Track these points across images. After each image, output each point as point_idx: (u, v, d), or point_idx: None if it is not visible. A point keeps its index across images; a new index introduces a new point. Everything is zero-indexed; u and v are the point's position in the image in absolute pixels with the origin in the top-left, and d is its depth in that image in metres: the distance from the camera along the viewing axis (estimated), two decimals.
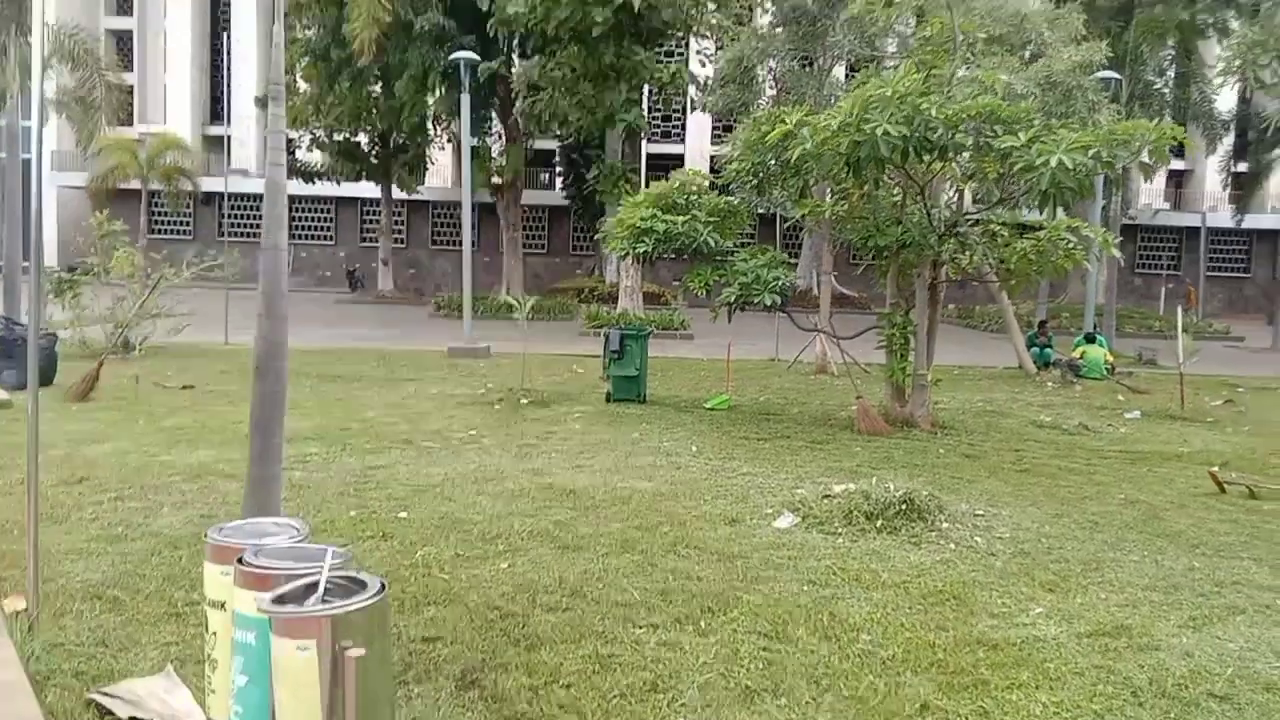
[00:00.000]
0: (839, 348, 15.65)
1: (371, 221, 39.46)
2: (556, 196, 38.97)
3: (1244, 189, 35.76)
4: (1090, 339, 17.32)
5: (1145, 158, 9.03)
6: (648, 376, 12.80)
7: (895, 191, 10.87)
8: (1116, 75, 16.53)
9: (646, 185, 24.19)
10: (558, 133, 28.13)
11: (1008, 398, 14.08)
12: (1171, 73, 26.00)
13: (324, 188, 33.61)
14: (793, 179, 10.72)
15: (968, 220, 10.52)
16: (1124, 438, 11.19)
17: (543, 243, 40.92)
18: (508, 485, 7.64)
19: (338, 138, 29.66)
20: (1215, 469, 8.54)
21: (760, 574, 5.59)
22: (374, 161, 30.65)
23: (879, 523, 6.52)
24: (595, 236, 12.33)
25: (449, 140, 31.01)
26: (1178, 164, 40.98)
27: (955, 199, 11.69)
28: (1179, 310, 15.77)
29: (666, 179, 12.30)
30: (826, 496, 7.03)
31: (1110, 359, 17.14)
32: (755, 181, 11.11)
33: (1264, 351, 24.14)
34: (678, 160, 41.69)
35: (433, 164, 32.31)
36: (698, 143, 42.08)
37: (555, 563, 5.67)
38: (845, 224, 11.22)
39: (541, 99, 21.32)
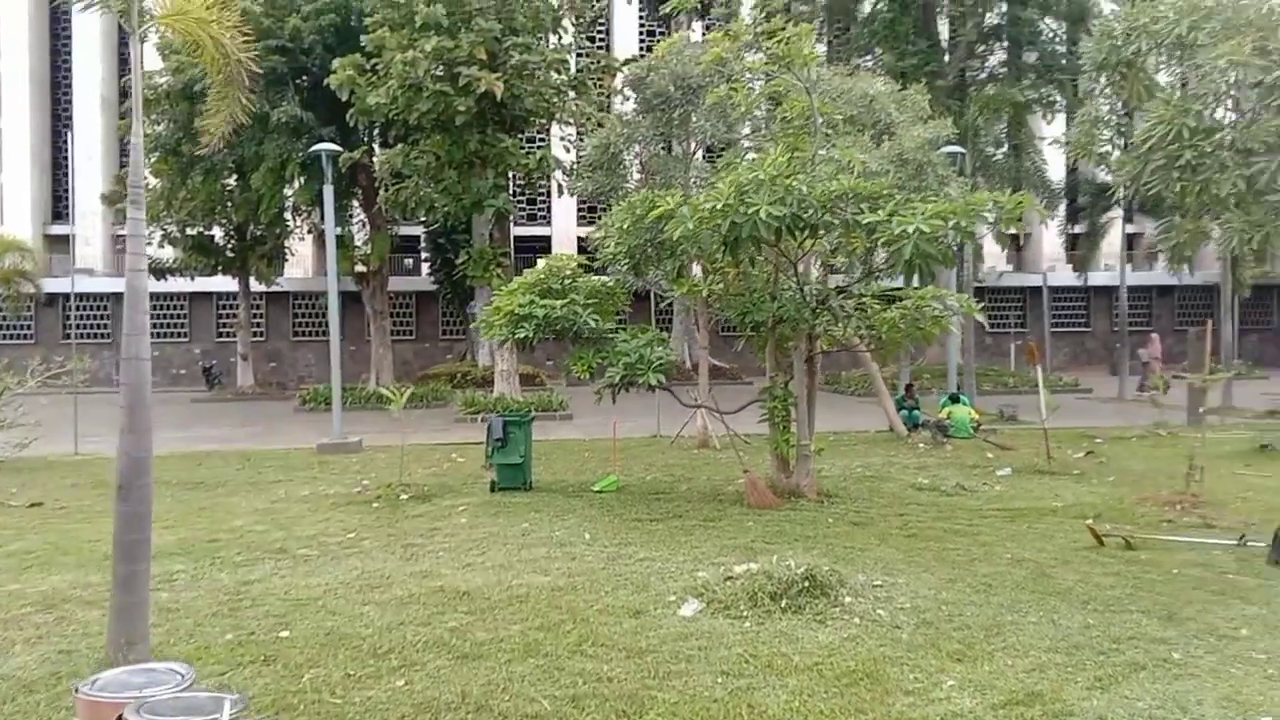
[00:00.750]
0: (721, 421, 15.82)
1: (228, 315, 38.00)
2: (423, 282, 38.49)
3: (1080, 249, 38.26)
4: (955, 399, 17.93)
5: (1002, 226, 9.43)
6: (532, 462, 12.56)
7: (768, 268, 11.08)
8: (961, 150, 17.45)
9: (516, 267, 24.28)
10: (423, 219, 27.85)
11: (884, 461, 14.38)
12: (1006, 145, 27.74)
13: (177, 283, 32.29)
14: (669, 259, 10.81)
15: (838, 293, 10.79)
16: (999, 495, 11.52)
17: (411, 329, 40.21)
18: (395, 591, 7.27)
19: (191, 232, 28.61)
20: (1091, 522, 8.84)
21: (672, 668, 5.41)
22: (230, 255, 29.65)
23: (783, 602, 6.45)
24: (471, 325, 12.12)
25: (309, 230, 30.33)
26: (1016, 228, 43.57)
27: (823, 273, 12.00)
28: (1038, 369, 16.51)
29: (536, 261, 12.24)
30: (729, 578, 6.93)
31: (975, 417, 17.77)
32: (632, 262, 11.15)
33: (1112, 401, 25.51)
34: (545, 242, 41.91)
35: (293, 255, 31.47)
36: (565, 224, 42.41)
37: (455, 675, 5.36)
38: (721, 301, 11.34)
39: (407, 186, 21.11)
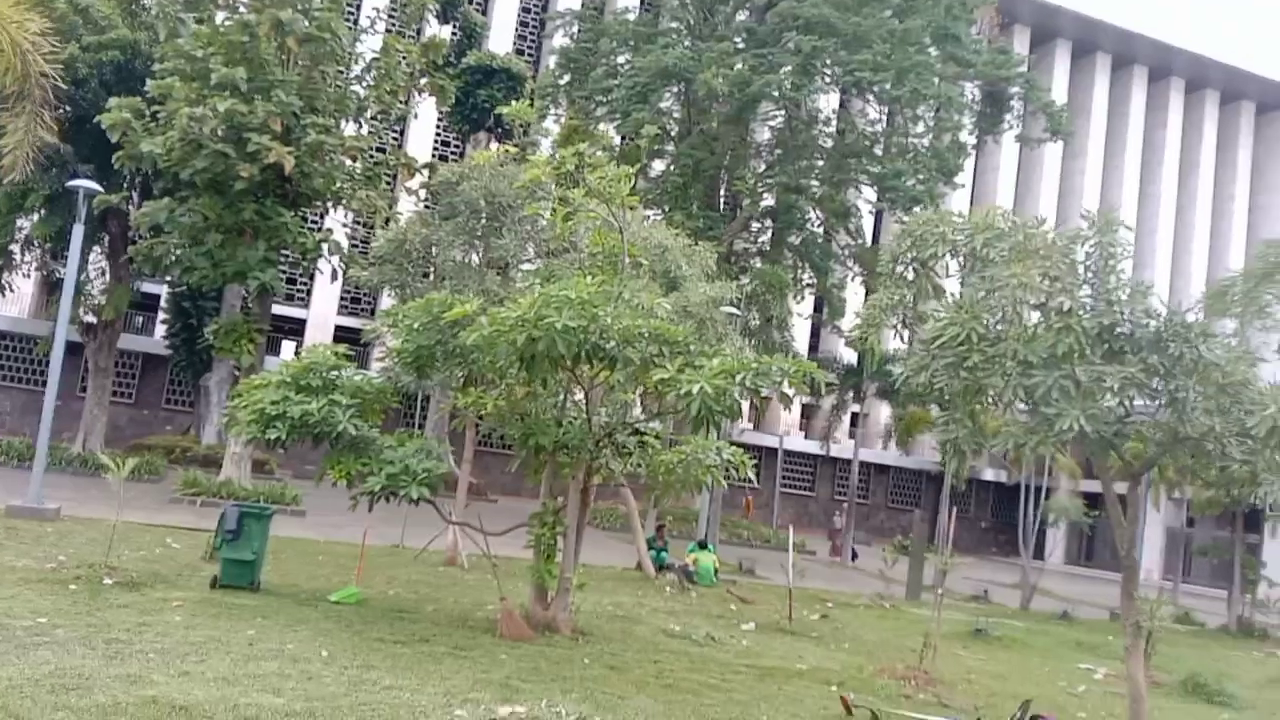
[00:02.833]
0: (473, 541, 15.19)
1: None
2: (154, 343, 35.45)
3: (810, 419, 41.08)
4: (702, 545, 18.28)
5: (791, 388, 9.79)
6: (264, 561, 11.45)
7: (557, 393, 10.92)
8: (738, 312, 18.34)
9: (266, 346, 22.80)
10: (173, 279, 25.78)
11: (634, 601, 14.26)
12: (768, 315, 29.58)
13: None
14: (459, 366, 10.43)
15: (625, 429, 10.77)
16: (747, 650, 11.63)
17: (131, 392, 36.67)
18: (97, 697, 6.20)
19: None
20: (847, 694, 9.01)
21: None
22: None
23: None
24: (228, 405, 11.03)
25: (37, 268, 27.31)
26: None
27: (618, 408, 11.99)
28: (789, 530, 17.16)
29: (282, 343, 11.44)
30: None
31: (718, 566, 18.15)
32: (417, 363, 10.65)
33: (835, 565, 27.01)
34: (299, 325, 39.91)
35: (11, 291, 28.12)
36: (324, 310, 40.66)
37: None
38: (500, 418, 11.00)
39: (167, 243, 19.50)
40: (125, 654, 7.41)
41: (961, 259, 8.18)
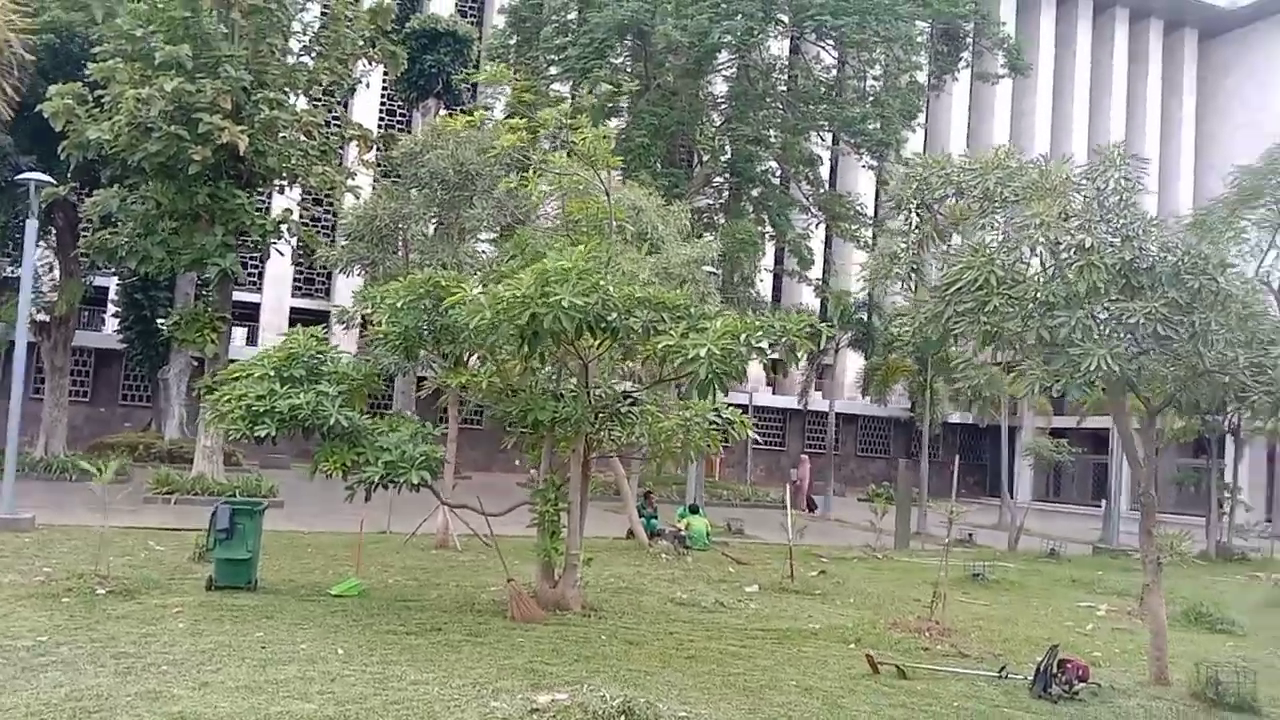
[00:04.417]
0: (464, 522, 14.90)
1: None
2: (107, 338, 34.42)
3: (778, 374, 41.08)
4: (694, 510, 18.13)
5: (797, 347, 9.54)
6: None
7: (554, 366, 10.61)
8: (716, 271, 18.08)
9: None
10: (131, 270, 24.84)
11: (634, 572, 14.08)
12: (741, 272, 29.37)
13: None
14: (449, 346, 10.07)
15: (626, 399, 10.49)
16: (757, 613, 11.51)
17: (86, 391, 35.64)
18: None
19: None
20: (872, 653, 8.89)
21: None
22: None
23: None
24: (207, 400, 10.56)
25: None
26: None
27: (620, 378, 11.71)
28: (786, 489, 17.06)
29: (239, 328, 10.96)
30: (535, 711, 6.19)
31: (709, 529, 18.02)
32: (404, 345, 10.27)
33: (817, 519, 27.04)
34: (253, 309, 38.93)
35: None
36: (278, 293, 39.73)
37: None
38: (500, 397, 10.66)
39: (122, 233, 18.72)
40: (137, 669, 7.06)
41: (970, 201, 7.95)
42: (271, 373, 10.09)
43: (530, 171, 11.31)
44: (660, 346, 9.03)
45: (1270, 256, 16.39)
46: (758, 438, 11.59)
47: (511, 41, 31.36)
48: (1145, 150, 55.43)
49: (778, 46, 33.05)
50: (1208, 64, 56.99)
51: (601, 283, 8.72)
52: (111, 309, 33.93)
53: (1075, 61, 54.12)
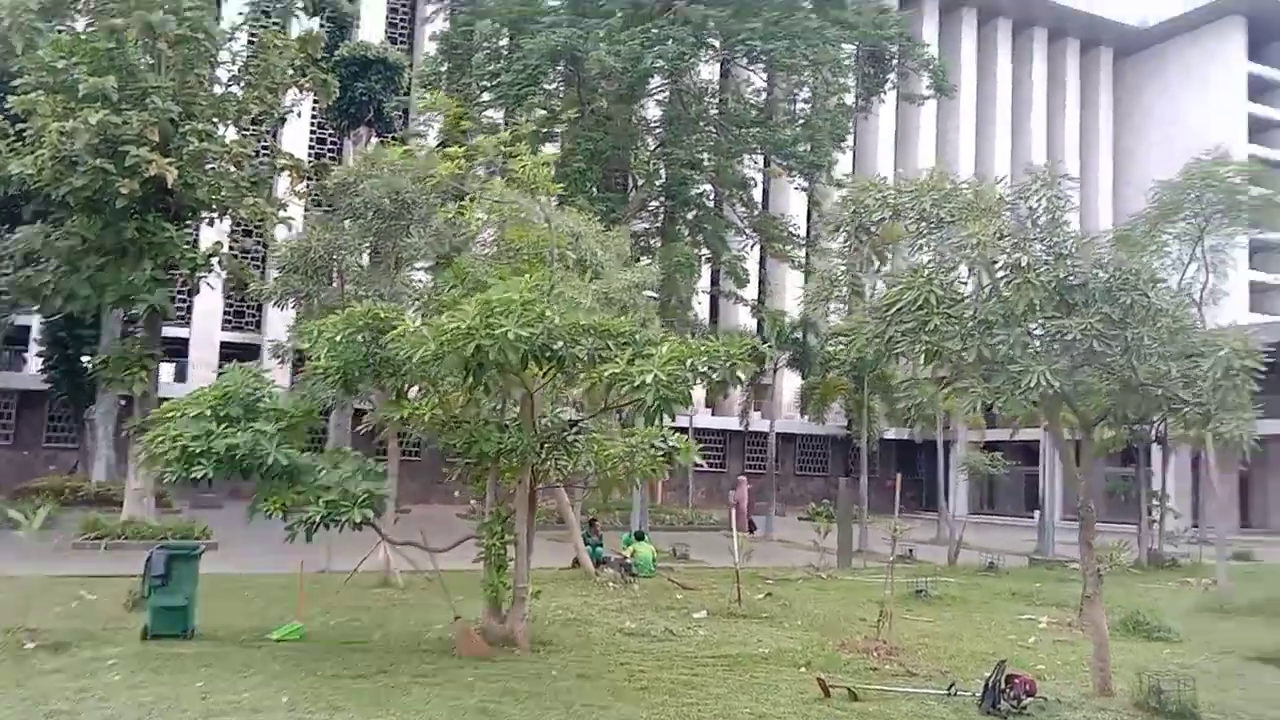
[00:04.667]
0: (405, 558, 14.58)
1: None
2: (30, 379, 33.36)
3: (716, 396, 41.31)
4: (640, 536, 18.04)
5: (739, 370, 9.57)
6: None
7: (498, 397, 10.50)
8: (656, 296, 18.10)
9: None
10: (41, 309, 24.09)
11: (581, 603, 13.93)
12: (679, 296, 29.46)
13: None
14: (390, 379, 9.91)
15: (572, 427, 10.41)
16: (706, 640, 11.45)
17: (8, 433, 34.47)
18: None
19: None
20: (822, 675, 8.90)
21: None
22: None
23: None
24: (141, 440, 10.20)
25: None
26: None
27: (564, 407, 11.62)
28: (731, 512, 17.06)
29: (166, 364, 10.72)
30: None
31: (655, 554, 17.95)
32: (344, 379, 10.08)
33: (758, 540, 27.09)
34: (180, 344, 37.96)
35: None
36: (207, 327, 38.78)
37: None
38: (443, 429, 10.51)
39: (46, 270, 18.16)
40: None
41: (906, 223, 8.08)
42: (207, 412, 9.80)
43: (468, 200, 11.23)
44: (606, 374, 8.98)
45: (1192, 269, 16.91)
46: (700, 460, 11.55)
47: (443, 68, 31.21)
48: (1066, 167, 57.20)
49: (709, 71, 33.43)
50: (1123, 83, 59.03)
51: (547, 312, 8.67)
52: (35, 348, 32.92)
53: (997, 82, 55.69)
